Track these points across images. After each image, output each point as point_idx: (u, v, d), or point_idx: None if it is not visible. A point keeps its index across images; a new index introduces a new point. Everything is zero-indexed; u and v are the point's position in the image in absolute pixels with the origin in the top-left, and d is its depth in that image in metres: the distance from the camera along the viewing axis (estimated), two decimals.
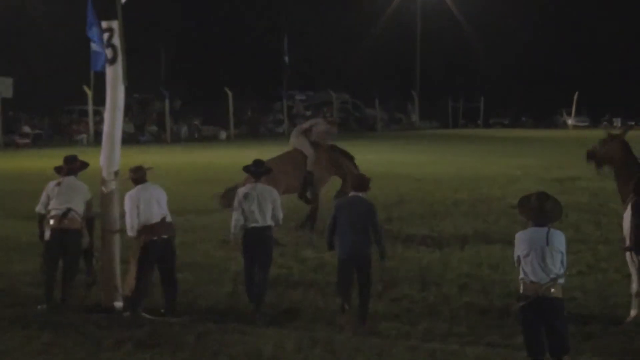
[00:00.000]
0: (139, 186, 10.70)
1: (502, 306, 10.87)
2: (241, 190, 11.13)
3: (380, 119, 63.53)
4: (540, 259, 8.01)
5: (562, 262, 8.06)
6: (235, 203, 11.04)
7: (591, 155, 12.80)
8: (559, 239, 8.10)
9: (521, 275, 8.15)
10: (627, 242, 10.22)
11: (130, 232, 10.64)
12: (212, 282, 12.35)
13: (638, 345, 9.39)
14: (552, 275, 7.98)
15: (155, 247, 10.59)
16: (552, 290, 7.99)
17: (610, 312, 10.53)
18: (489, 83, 70.42)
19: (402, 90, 68.30)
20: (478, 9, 69.74)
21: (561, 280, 8.06)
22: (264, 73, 64.90)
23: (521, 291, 8.17)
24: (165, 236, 10.68)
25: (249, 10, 66.92)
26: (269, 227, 10.95)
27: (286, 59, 56.89)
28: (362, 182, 10.34)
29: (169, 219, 10.77)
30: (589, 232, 15.25)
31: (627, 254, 10.35)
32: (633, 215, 10.07)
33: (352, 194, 10.38)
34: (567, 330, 8.23)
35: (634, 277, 10.28)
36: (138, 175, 10.79)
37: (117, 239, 11.01)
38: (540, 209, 8.13)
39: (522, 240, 8.16)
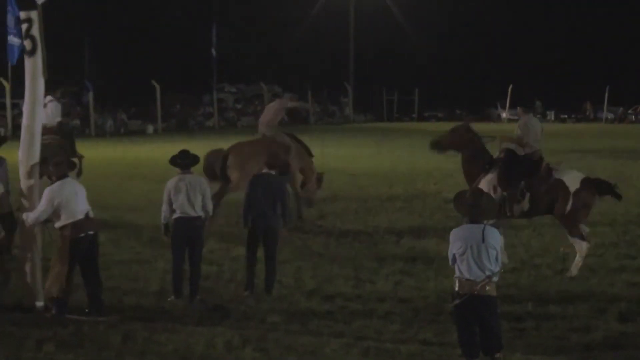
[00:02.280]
0: (60, 181, 10.35)
1: (437, 303, 10.77)
2: (170, 182, 11.07)
3: (313, 112, 63.36)
4: (476, 256, 7.95)
5: (496, 259, 7.98)
6: (165, 194, 11.02)
7: (435, 144, 13.90)
8: (494, 235, 8.04)
9: (456, 273, 8.06)
10: None
11: (29, 223, 10.29)
12: (140, 280, 12.06)
13: (571, 342, 9.35)
14: (487, 273, 7.92)
15: (82, 243, 10.28)
16: (487, 287, 7.93)
17: (543, 309, 10.49)
18: (424, 76, 70.76)
19: (336, 82, 68.25)
20: (412, 0, 70.05)
21: (495, 278, 7.98)
22: (193, 65, 64.08)
23: (456, 289, 8.09)
24: (91, 232, 10.37)
25: (178, 1, 66.13)
26: (199, 218, 10.98)
27: (214, 51, 56.10)
28: (274, 160, 11.36)
29: (91, 214, 10.47)
30: (523, 227, 15.24)
31: None
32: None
33: (264, 171, 11.32)
34: (500, 327, 8.21)
35: None
36: (61, 169, 10.44)
37: (38, 235, 10.61)
38: (475, 206, 8.05)
39: (457, 238, 8.08)
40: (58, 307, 10.25)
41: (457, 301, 8.04)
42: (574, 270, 12.15)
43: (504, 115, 67.87)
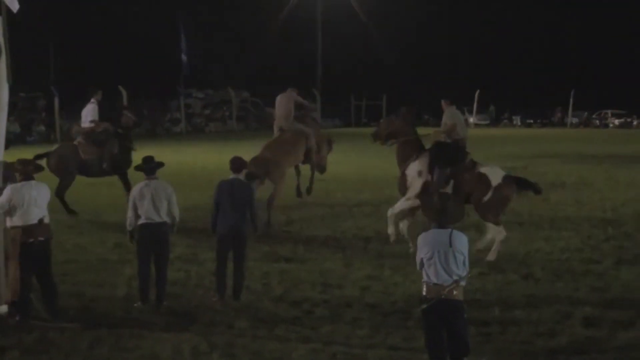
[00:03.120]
0: (24, 182, 10.24)
1: (405, 308, 10.79)
2: (135, 187, 11.10)
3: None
4: (444, 260, 7.97)
5: (464, 264, 8.01)
6: (130, 200, 11.05)
7: (374, 135, 15.05)
8: (462, 240, 8.07)
9: (424, 278, 8.08)
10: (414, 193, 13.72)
11: None
12: (106, 286, 11.97)
13: (536, 347, 9.42)
14: (454, 277, 7.95)
15: (32, 249, 10.18)
16: (455, 292, 7.96)
17: (509, 314, 10.55)
18: (392, 81, 70.96)
19: (304, 88, 68.21)
20: (380, 6, 70.21)
21: (463, 282, 8.01)
22: (160, 71, 63.67)
23: (424, 293, 8.10)
24: (41, 238, 10.27)
25: (144, 6, 65.68)
26: (164, 224, 10.99)
27: (184, 57, 55.79)
28: (240, 164, 11.35)
29: (47, 220, 10.39)
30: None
31: (406, 200, 13.87)
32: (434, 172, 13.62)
33: (232, 176, 11.28)
34: (467, 332, 8.23)
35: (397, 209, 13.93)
36: (27, 170, 10.34)
37: (0, 239, 10.49)
38: (442, 210, 8.08)
39: (425, 243, 8.10)
40: (19, 311, 10.16)
41: (424, 306, 8.06)
42: (491, 256, 13.33)
43: (471, 120, 68.27)
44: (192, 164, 29.69)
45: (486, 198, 13.55)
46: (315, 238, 15.50)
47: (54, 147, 19.25)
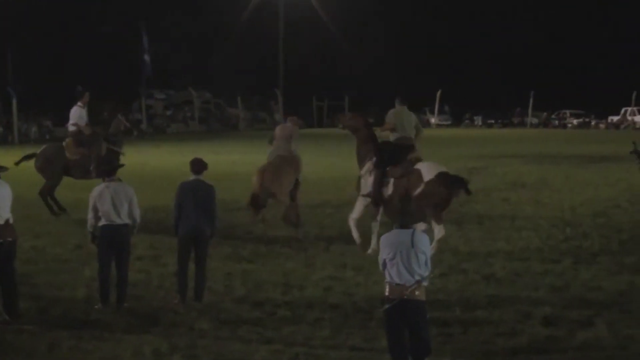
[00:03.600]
0: None
1: (366, 308, 10.82)
2: (95, 190, 11.03)
3: (243, 118, 63.16)
4: (406, 261, 7.99)
5: (426, 264, 8.04)
6: (90, 202, 10.97)
7: (338, 119, 16.05)
8: (423, 240, 8.11)
9: (387, 278, 8.10)
10: (367, 191, 14.20)
11: None
12: (66, 288, 11.86)
13: (497, 347, 9.49)
14: (416, 277, 7.98)
15: (1, 250, 10.08)
16: (417, 292, 7.98)
17: (470, 314, 10.62)
18: (354, 82, 71.13)
19: (266, 89, 68.14)
20: (341, 7, 70.31)
21: (425, 282, 8.04)
22: (121, 71, 63.14)
23: (387, 294, 8.12)
24: (10, 239, 10.19)
25: (104, 5, 65.11)
26: (125, 225, 10.96)
27: (147, 57, 55.42)
28: (200, 166, 11.26)
29: (11, 221, 10.28)
30: (450, 233, 15.36)
31: (362, 199, 14.33)
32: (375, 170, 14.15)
33: (192, 177, 11.22)
34: (428, 332, 8.28)
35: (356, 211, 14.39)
36: None
37: None
38: (404, 211, 8.10)
39: (387, 243, 8.12)
40: None
41: (387, 306, 8.07)
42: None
43: (432, 120, 68.67)
44: (154, 165, 29.53)
45: (417, 192, 13.58)
46: (278, 239, 15.48)
47: (42, 147, 19.18)
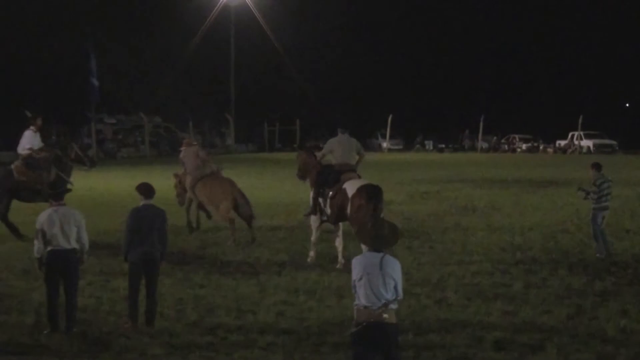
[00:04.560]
0: None
1: (319, 333, 10.80)
2: (43, 214, 10.90)
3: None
4: (374, 284, 7.89)
5: (395, 289, 7.96)
6: (37, 227, 10.83)
7: (299, 176, 16.86)
8: (393, 265, 7.99)
9: (355, 301, 8.02)
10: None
11: None
12: (13, 313, 11.67)
13: None
14: (383, 301, 7.88)
15: None
16: (385, 315, 7.88)
17: (422, 338, 10.64)
18: (304, 106, 71.37)
19: (217, 113, 68.05)
20: (291, 31, 70.60)
21: (393, 306, 7.96)
22: (70, 95, 62.42)
23: (355, 316, 8.04)
24: None
25: (52, 29, 64.45)
26: (73, 250, 10.84)
27: (95, 81, 54.87)
28: (149, 190, 11.27)
29: None
30: (403, 257, 15.45)
31: (313, 217, 15.78)
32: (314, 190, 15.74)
33: (143, 202, 11.19)
34: (399, 356, 8.16)
35: (314, 233, 15.70)
36: None
37: None
38: (375, 235, 8.05)
39: (357, 265, 8.04)
40: None
41: (353, 329, 7.98)
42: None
43: (384, 145, 69.08)
44: (103, 190, 29.26)
45: (348, 210, 14.85)
46: (230, 263, 15.42)
47: None
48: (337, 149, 16.06)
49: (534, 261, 15.72)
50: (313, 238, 15.81)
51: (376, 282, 7.89)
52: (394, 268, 7.99)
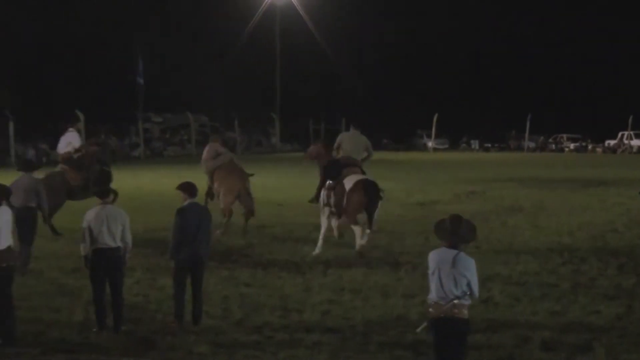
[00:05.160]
0: None
1: (364, 332, 10.79)
2: (90, 212, 10.96)
3: (240, 141, 63.24)
4: (443, 279, 8.06)
5: (468, 285, 8.07)
6: (84, 225, 10.89)
7: (304, 158, 18.30)
8: (465, 263, 8.12)
9: (429, 295, 8.18)
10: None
11: None
12: (63, 311, 11.81)
13: None
14: (451, 297, 8.02)
15: (3, 274, 10.09)
16: (455, 310, 8.02)
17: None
18: (350, 105, 71.34)
19: (263, 112, 68.30)
20: (339, 31, 70.62)
21: (464, 301, 8.07)
22: (118, 95, 63.13)
23: (429, 310, 8.21)
24: (12, 263, 10.18)
25: (101, 30, 65.20)
26: (117, 249, 10.90)
27: (141, 80, 55.40)
28: (193, 189, 11.31)
29: (13, 246, 10.26)
30: None
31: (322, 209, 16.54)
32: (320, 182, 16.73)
33: (188, 201, 11.22)
34: (462, 351, 8.26)
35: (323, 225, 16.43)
36: None
37: None
38: (452, 231, 8.20)
39: (431, 259, 8.24)
40: None
41: (425, 323, 8.23)
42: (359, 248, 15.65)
43: (429, 144, 68.81)
44: (151, 189, 29.50)
45: (344, 203, 15.84)
46: (275, 262, 15.45)
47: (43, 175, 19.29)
48: (345, 143, 17.18)
49: (582, 261, 15.56)
50: (322, 230, 16.32)
51: (446, 278, 8.04)
52: (467, 266, 8.11)
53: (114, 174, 19.78)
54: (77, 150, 19.23)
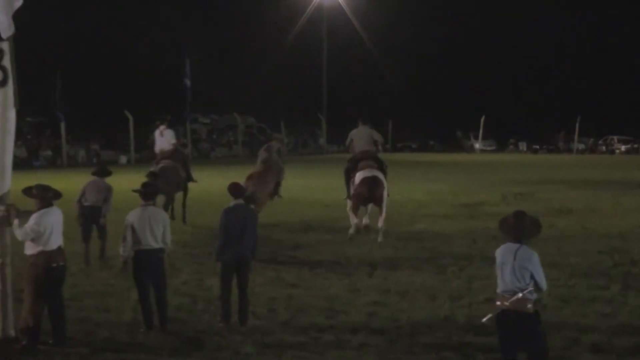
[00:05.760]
0: (47, 208, 10.21)
1: (411, 334, 10.74)
2: (133, 213, 11.03)
3: (287, 142, 63.38)
4: (505, 272, 8.22)
5: (531, 278, 8.17)
6: (128, 225, 10.95)
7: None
8: (526, 256, 8.22)
9: (497, 288, 8.33)
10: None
11: (20, 239, 10.17)
12: (112, 311, 11.93)
13: None
14: (515, 289, 8.13)
15: (54, 274, 10.18)
16: (518, 304, 8.11)
17: None
18: (397, 107, 71.18)
19: (309, 113, 68.43)
20: (386, 32, 70.52)
21: (530, 296, 8.13)
22: (166, 96, 63.67)
23: (496, 302, 8.35)
24: (62, 263, 10.29)
25: (149, 31, 65.87)
26: (160, 250, 10.94)
27: (188, 81, 55.76)
28: (240, 190, 11.40)
29: (62, 245, 10.39)
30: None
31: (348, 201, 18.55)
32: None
33: (234, 202, 11.26)
34: (541, 344, 8.28)
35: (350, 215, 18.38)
36: (47, 196, 10.31)
37: (8, 268, 10.48)
38: (515, 226, 8.35)
39: (497, 254, 8.41)
40: (31, 337, 10.12)
41: (490, 315, 8.37)
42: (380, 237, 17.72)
43: (477, 145, 68.38)
44: (198, 189, 29.66)
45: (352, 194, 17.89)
46: (321, 264, 15.46)
47: (156, 167, 20.19)
48: (355, 139, 18.77)
49: (633, 264, 15.34)
50: (351, 219, 18.18)
51: (509, 271, 8.19)
52: (530, 259, 8.22)
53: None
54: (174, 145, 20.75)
